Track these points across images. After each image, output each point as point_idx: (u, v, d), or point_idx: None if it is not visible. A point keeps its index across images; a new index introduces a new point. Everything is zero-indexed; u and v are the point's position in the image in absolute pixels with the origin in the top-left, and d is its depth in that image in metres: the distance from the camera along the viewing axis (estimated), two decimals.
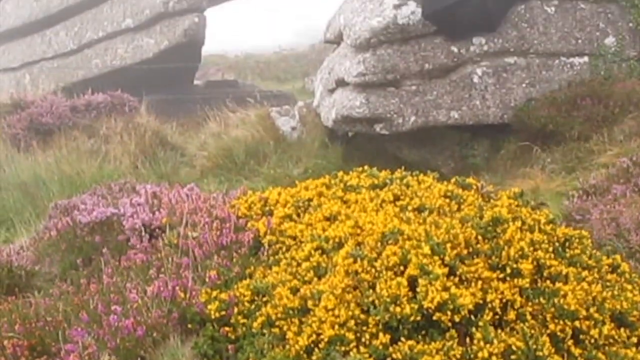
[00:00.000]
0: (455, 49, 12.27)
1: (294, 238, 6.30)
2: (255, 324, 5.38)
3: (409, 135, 12.60)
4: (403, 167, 12.88)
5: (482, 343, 4.89)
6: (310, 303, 5.30)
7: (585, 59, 12.84)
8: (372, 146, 13.36)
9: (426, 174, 12.62)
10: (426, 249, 5.37)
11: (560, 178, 11.17)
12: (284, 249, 6.28)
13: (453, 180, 7.44)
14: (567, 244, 6.06)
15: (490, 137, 12.87)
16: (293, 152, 13.93)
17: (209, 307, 5.61)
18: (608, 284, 5.68)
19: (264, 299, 5.59)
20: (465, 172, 12.72)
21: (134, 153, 13.54)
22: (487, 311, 5.12)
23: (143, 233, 7.43)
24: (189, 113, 19.61)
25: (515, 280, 5.39)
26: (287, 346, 5.08)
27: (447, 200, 6.72)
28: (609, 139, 11.51)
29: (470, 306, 5.06)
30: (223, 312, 5.57)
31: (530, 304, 5.32)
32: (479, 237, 5.72)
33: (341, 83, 12.70)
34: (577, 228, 7.82)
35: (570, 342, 5.13)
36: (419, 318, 5.02)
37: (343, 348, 4.96)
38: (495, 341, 4.90)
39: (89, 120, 14.98)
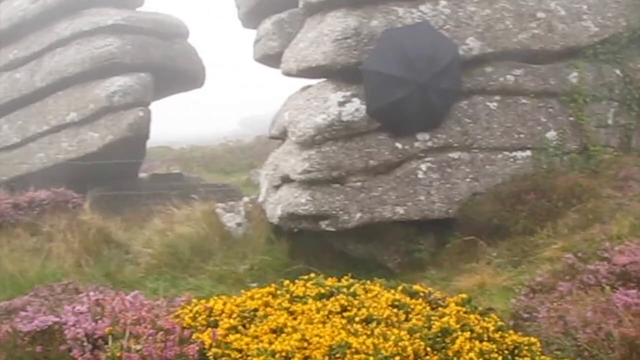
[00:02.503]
0: (399, 145, 12.36)
1: (240, 351, 6.15)
2: None
3: (354, 231, 12.56)
4: (349, 263, 13.22)
5: None
6: None
7: (528, 152, 13.01)
8: (318, 242, 13.28)
9: (373, 270, 13.00)
10: None
11: (506, 272, 11.16)
12: None
13: (400, 287, 7.36)
14: (516, 351, 6.02)
15: (436, 232, 12.89)
16: (239, 249, 13.78)
17: None
18: None
19: None
20: (412, 266, 12.86)
21: (78, 251, 13.25)
22: None
23: (85, 343, 7.21)
24: (135, 207, 19.47)
25: None
26: None
27: (395, 310, 6.64)
28: (553, 233, 11.58)
29: None
30: None
31: None
32: (428, 349, 5.65)
33: (286, 180, 12.69)
34: (525, 327, 7.86)
35: None
36: None
37: None
38: None
39: (32, 217, 14.68)
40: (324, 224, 12.14)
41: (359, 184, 12.16)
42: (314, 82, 13.26)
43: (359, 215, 12.08)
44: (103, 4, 21.62)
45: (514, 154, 12.94)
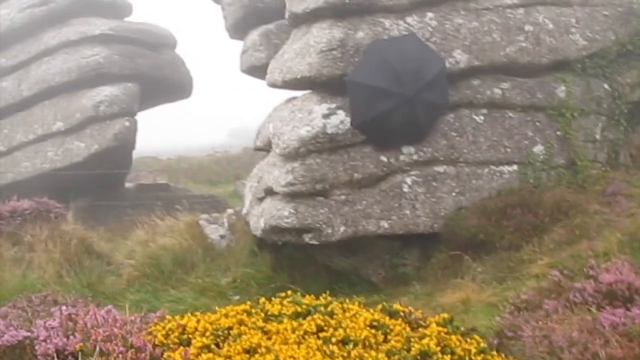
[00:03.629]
0: (384, 159, 12.21)
1: None
2: None
3: (339, 244, 12.42)
4: (333, 276, 13.06)
5: None
6: None
7: (515, 167, 12.87)
8: (302, 255, 13.12)
9: (357, 284, 12.86)
10: None
11: (491, 288, 11.02)
12: None
13: (380, 306, 7.21)
14: None
15: (421, 246, 12.73)
16: (222, 261, 13.65)
17: None
18: None
19: None
20: (396, 281, 12.70)
21: (59, 261, 13.11)
22: None
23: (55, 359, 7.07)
24: (120, 218, 19.35)
25: None
26: None
27: (374, 330, 6.47)
28: (539, 248, 11.44)
29: None
30: None
31: None
32: None
33: (270, 192, 12.52)
34: (509, 346, 7.71)
35: None
36: None
37: None
38: None
39: (14, 227, 14.51)
40: (307, 237, 11.97)
41: (343, 197, 12.00)
42: (299, 93, 13.10)
43: (342, 228, 11.91)
44: (91, 14, 21.55)
45: (500, 168, 12.79)
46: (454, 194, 12.45)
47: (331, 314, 6.82)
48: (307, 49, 12.32)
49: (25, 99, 21.10)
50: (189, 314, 7.18)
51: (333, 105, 12.11)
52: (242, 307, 7.08)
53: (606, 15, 13.81)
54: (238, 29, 16.03)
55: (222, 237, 14.12)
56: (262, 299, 7.31)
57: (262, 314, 6.81)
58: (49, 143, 20.57)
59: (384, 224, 12.10)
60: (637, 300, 7.91)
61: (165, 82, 22.20)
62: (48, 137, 20.61)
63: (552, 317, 7.94)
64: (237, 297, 12.60)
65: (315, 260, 13.15)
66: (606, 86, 13.64)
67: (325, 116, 12.01)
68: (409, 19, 12.52)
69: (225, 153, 35.15)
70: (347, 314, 6.90)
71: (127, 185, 24.66)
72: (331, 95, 12.24)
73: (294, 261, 13.17)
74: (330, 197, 11.99)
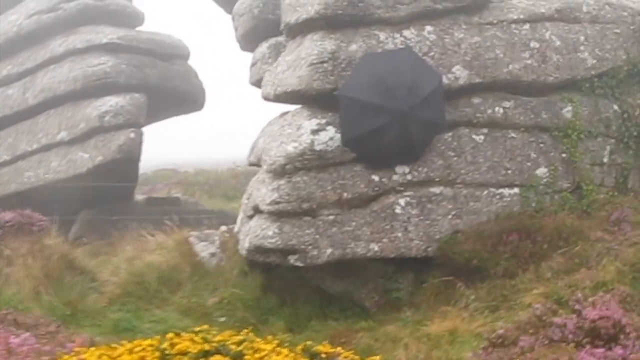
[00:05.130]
0: (376, 178, 11.64)
1: None
2: None
3: (331, 266, 11.88)
4: (325, 299, 12.52)
5: None
6: None
7: (516, 190, 12.27)
8: (294, 276, 12.58)
9: (348, 308, 12.30)
10: None
11: (482, 318, 10.49)
12: None
13: (300, 346, 6.62)
14: None
15: (415, 270, 12.15)
16: (210, 280, 13.16)
17: None
18: None
19: None
20: (389, 306, 12.19)
21: (38, 277, 12.62)
22: None
23: None
24: (123, 232, 18.92)
25: None
26: None
27: None
28: (536, 277, 10.89)
29: None
30: None
31: None
32: None
33: (257, 210, 12.01)
34: None
35: None
36: None
37: None
38: None
39: None
40: (292, 259, 11.47)
41: (331, 217, 11.46)
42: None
43: (329, 250, 11.37)
44: (101, 22, 21.20)
45: (500, 190, 12.19)
46: (450, 216, 11.86)
47: (240, 356, 6.22)
48: (298, 61, 11.84)
49: (30, 107, 20.80)
50: (94, 348, 6.62)
51: (323, 121, 11.59)
52: (149, 342, 6.51)
53: (617, 33, 13.15)
54: (248, 41, 15.55)
55: (212, 255, 13.63)
56: (170, 334, 6.72)
57: (158, 353, 6.22)
58: (52, 153, 20.21)
59: (374, 247, 11.55)
60: (621, 339, 7.33)
61: (175, 94, 21.79)
62: (52, 147, 20.25)
63: (526, 355, 7.38)
64: (222, 319, 12.18)
65: (307, 282, 12.63)
66: (615, 107, 12.99)
67: (314, 132, 11.49)
68: (406, 32, 11.95)
69: (246, 167, 34.68)
70: (256, 356, 6.28)
71: (138, 197, 24.30)
72: (322, 110, 11.73)
73: (286, 282, 12.65)
74: (317, 217, 11.46)
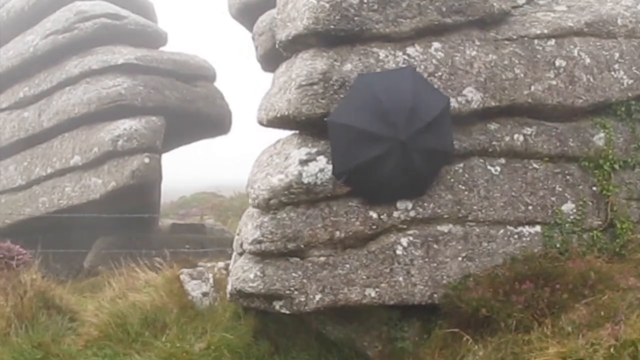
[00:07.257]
0: (374, 215, 10.29)
1: None
2: None
3: (332, 309, 10.54)
4: (325, 346, 11.24)
5: None
6: None
7: (538, 228, 10.81)
8: (293, 319, 11.37)
9: (349, 358, 11.03)
10: None
11: None
12: None
13: None
14: None
15: (422, 318, 10.80)
16: (199, 323, 12.02)
17: None
18: None
19: None
20: (393, 357, 10.95)
21: (9, 317, 11.67)
22: None
23: None
24: (140, 261, 18.03)
25: None
26: None
27: None
28: (552, 332, 9.40)
29: None
30: None
31: None
32: None
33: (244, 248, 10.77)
34: None
35: None
36: None
37: None
38: None
39: None
40: (277, 305, 10.23)
41: (322, 259, 10.16)
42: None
43: (319, 296, 10.08)
44: (119, 42, 20.36)
45: (519, 229, 10.76)
46: (460, 258, 10.46)
47: None
48: (289, 83, 10.58)
49: (45, 130, 20.13)
50: None
51: (313, 150, 10.31)
52: None
53: None
54: (269, 61, 14.33)
55: (204, 294, 12.47)
56: None
57: None
58: (67, 178, 19.51)
59: (371, 292, 10.21)
60: None
61: (198, 117, 20.86)
62: (66, 171, 19.57)
63: None
64: None
65: (307, 326, 11.43)
66: None
67: (303, 162, 10.20)
68: (409, 50, 10.58)
69: None
70: None
71: (163, 223, 23.41)
72: (313, 137, 10.46)
73: (283, 326, 11.55)
74: (306, 259, 10.18)
